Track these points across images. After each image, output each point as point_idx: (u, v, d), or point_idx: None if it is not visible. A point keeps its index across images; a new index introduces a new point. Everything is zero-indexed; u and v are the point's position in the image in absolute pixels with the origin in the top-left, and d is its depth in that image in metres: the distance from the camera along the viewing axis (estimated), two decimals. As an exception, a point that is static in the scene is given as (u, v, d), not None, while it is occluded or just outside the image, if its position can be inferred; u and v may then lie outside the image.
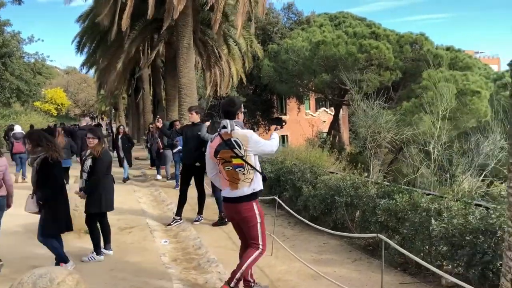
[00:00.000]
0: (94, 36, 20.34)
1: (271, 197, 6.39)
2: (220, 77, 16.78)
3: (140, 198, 10.02)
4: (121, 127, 12.77)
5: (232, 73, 17.18)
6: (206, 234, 6.74)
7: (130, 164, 12.44)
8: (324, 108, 40.14)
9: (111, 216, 5.94)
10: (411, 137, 18.30)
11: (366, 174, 9.64)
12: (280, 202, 5.98)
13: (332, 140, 24.62)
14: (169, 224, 7.32)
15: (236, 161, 3.77)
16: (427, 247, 4.40)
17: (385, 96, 20.35)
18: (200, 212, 7.49)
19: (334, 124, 26.93)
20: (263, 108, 29.74)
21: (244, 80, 17.82)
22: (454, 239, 3.92)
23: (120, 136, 12.31)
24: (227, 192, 3.88)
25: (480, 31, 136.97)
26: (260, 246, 3.88)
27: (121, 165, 12.16)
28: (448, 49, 19.83)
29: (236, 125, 3.84)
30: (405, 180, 11.97)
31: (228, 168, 3.80)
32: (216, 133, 3.94)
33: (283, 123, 4.69)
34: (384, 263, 4.61)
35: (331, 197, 6.24)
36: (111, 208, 5.57)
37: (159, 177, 12.48)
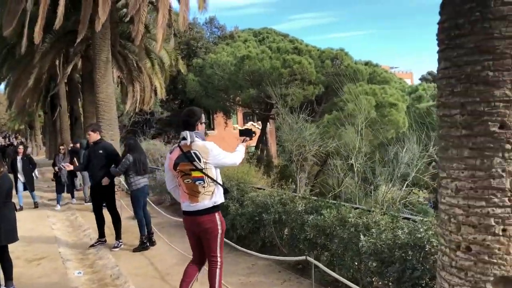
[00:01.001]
0: (1, 50, 18.76)
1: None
2: (142, 92, 16.12)
3: (54, 224, 9.19)
4: (21, 146, 11.31)
5: (155, 87, 16.57)
6: (125, 261, 6.22)
7: (32, 189, 11.10)
8: (251, 122, 40.39)
9: (16, 247, 5.27)
10: (334, 149, 18.79)
11: (294, 186, 9.59)
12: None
13: (260, 154, 24.66)
14: (92, 245, 6.93)
15: (195, 174, 3.68)
16: (356, 264, 4.27)
17: (309, 109, 20.80)
18: (118, 237, 6.97)
19: (262, 138, 27.04)
20: (182, 124, 29.12)
21: (163, 95, 17.24)
22: (383, 255, 3.81)
23: (20, 157, 10.84)
24: (186, 205, 3.79)
25: (394, 48, 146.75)
26: (218, 259, 3.82)
27: (18, 190, 10.75)
28: (366, 64, 20.71)
29: (196, 137, 3.73)
30: (330, 194, 12.09)
31: (188, 181, 3.71)
32: (176, 145, 3.87)
33: (253, 134, 4.44)
34: (315, 283, 4.43)
35: (258, 214, 5.99)
36: (12, 239, 4.94)
37: (74, 200, 11.61)
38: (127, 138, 7.58)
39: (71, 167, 7.56)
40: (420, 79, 65.47)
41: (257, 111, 25.04)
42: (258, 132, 31.27)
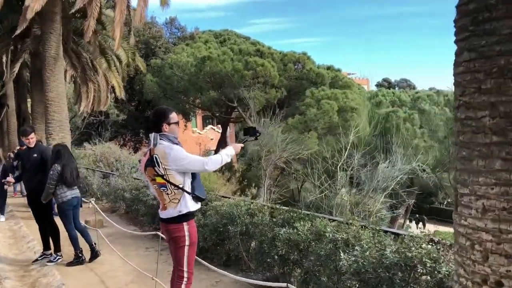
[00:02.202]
0: None
1: (154, 232, 5.41)
2: (97, 92, 15.21)
3: (-7, 235, 8.32)
4: None
5: (112, 87, 15.67)
6: (73, 278, 5.57)
7: None
8: (211, 126, 39.83)
9: None
10: (296, 153, 18.55)
11: (255, 191, 9.23)
12: (163, 236, 5.05)
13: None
14: (36, 260, 6.30)
15: (158, 180, 3.44)
16: (335, 284, 3.85)
17: (272, 113, 20.50)
18: (56, 249, 6.34)
19: (222, 142, 26.49)
20: (147, 126, 28.21)
21: (122, 94, 16.34)
22: (367, 275, 3.40)
23: None
24: (159, 211, 3.62)
25: (350, 55, 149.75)
26: (185, 274, 3.52)
27: None
28: (328, 68, 20.64)
29: (161, 139, 3.44)
30: (303, 200, 11.80)
31: (155, 187, 3.53)
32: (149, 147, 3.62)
33: (257, 134, 3.86)
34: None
35: (223, 226, 5.49)
36: None
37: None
38: (55, 144, 6.90)
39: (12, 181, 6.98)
40: (376, 85, 67.10)
41: (217, 114, 24.48)
42: (217, 136, 30.70)
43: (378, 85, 67.11)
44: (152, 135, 3.50)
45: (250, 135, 3.85)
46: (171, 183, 3.42)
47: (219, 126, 38.40)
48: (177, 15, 26.95)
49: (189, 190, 3.50)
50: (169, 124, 3.54)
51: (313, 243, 4.14)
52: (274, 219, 4.78)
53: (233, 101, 20.43)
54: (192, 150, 28.92)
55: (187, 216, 3.50)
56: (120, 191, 9.74)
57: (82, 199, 6.74)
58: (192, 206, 3.52)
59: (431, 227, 24.14)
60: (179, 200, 3.46)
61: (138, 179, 9.89)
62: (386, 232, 3.89)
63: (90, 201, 7.88)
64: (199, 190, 3.62)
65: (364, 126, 18.78)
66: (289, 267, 4.52)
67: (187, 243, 3.50)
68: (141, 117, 27.29)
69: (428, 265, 2.99)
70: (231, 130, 31.36)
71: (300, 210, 4.71)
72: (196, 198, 3.56)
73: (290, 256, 4.34)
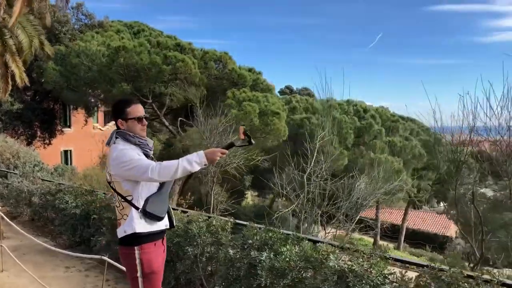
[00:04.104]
0: None
1: (98, 256, 4.32)
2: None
3: None
4: None
5: (13, 73, 13.46)
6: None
7: None
8: (114, 122, 37.50)
9: None
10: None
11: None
12: (110, 261, 4.02)
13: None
14: None
15: (111, 188, 2.90)
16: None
17: (190, 112, 19.47)
18: None
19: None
20: (44, 119, 25.38)
21: (24, 81, 14.21)
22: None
23: None
24: None
25: (255, 60, 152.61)
26: None
27: None
28: (250, 70, 20.16)
29: (117, 137, 2.89)
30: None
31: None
32: None
33: (246, 140, 2.94)
34: None
35: (175, 245, 4.60)
36: None
37: None
38: None
39: None
40: (279, 91, 68.75)
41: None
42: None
43: (281, 91, 68.91)
44: (111, 133, 2.98)
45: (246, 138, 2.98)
46: (118, 193, 2.82)
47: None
48: (85, 2, 24.44)
49: (138, 204, 2.77)
50: (125, 120, 2.94)
51: (303, 271, 3.47)
52: (251, 241, 4.01)
53: (148, 97, 19.04)
54: (94, 147, 26.68)
55: (139, 239, 2.78)
56: (24, 194, 8.18)
57: None
58: (140, 226, 2.77)
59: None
60: (127, 216, 2.79)
61: (48, 180, 8.41)
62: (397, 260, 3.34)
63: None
64: (155, 205, 2.81)
65: (284, 130, 18.62)
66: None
67: (139, 273, 2.78)
68: (38, 109, 24.50)
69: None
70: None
71: (279, 230, 3.99)
72: (149, 216, 2.76)
73: (274, 287, 3.60)
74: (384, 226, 25.86)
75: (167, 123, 20.36)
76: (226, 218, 4.76)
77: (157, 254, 2.90)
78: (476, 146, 13.53)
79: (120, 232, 2.83)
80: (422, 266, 3.04)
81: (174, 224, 3.15)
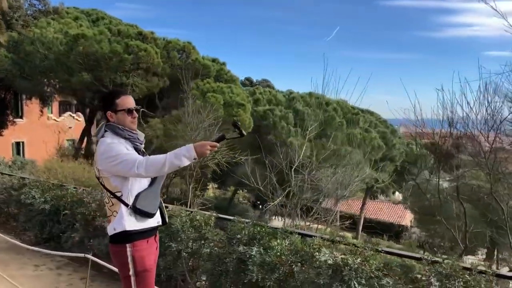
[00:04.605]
0: None
1: (82, 254, 4.12)
2: None
3: None
4: None
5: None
6: None
7: None
8: (69, 113, 36.27)
9: None
10: (179, 145, 17.48)
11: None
12: (95, 259, 3.84)
13: (89, 147, 21.82)
14: None
15: (100, 184, 2.81)
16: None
17: (152, 103, 19.06)
18: None
19: (89, 130, 23.92)
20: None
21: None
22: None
23: None
24: None
25: (214, 53, 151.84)
26: None
27: None
28: (214, 60, 19.92)
29: (106, 131, 2.78)
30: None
31: None
32: None
33: (237, 132, 2.83)
34: None
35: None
36: None
37: None
38: None
39: None
40: (240, 83, 68.71)
41: (87, 100, 21.87)
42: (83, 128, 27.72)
43: (242, 83, 68.91)
44: (100, 126, 2.89)
45: (236, 130, 2.90)
46: (107, 190, 2.72)
47: (79, 113, 34.94)
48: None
49: (127, 201, 2.68)
50: (115, 112, 2.81)
51: (296, 266, 3.45)
52: (239, 236, 3.94)
53: (109, 87, 18.42)
54: (49, 139, 25.64)
55: (130, 236, 2.68)
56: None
57: None
58: (131, 223, 2.68)
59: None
60: (117, 212, 2.69)
61: (8, 174, 7.98)
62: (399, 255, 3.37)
63: None
64: (146, 201, 2.72)
65: (249, 122, 18.57)
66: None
67: (131, 272, 2.69)
68: (-12, 99, 23.28)
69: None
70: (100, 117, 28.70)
71: (266, 224, 3.95)
72: (139, 213, 2.67)
73: (266, 283, 3.56)
74: (346, 216, 26.45)
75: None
76: (208, 213, 4.67)
77: (149, 252, 2.81)
78: (427, 138, 13.95)
79: (110, 230, 2.74)
80: (416, 258, 3.08)
81: (167, 221, 3.04)
